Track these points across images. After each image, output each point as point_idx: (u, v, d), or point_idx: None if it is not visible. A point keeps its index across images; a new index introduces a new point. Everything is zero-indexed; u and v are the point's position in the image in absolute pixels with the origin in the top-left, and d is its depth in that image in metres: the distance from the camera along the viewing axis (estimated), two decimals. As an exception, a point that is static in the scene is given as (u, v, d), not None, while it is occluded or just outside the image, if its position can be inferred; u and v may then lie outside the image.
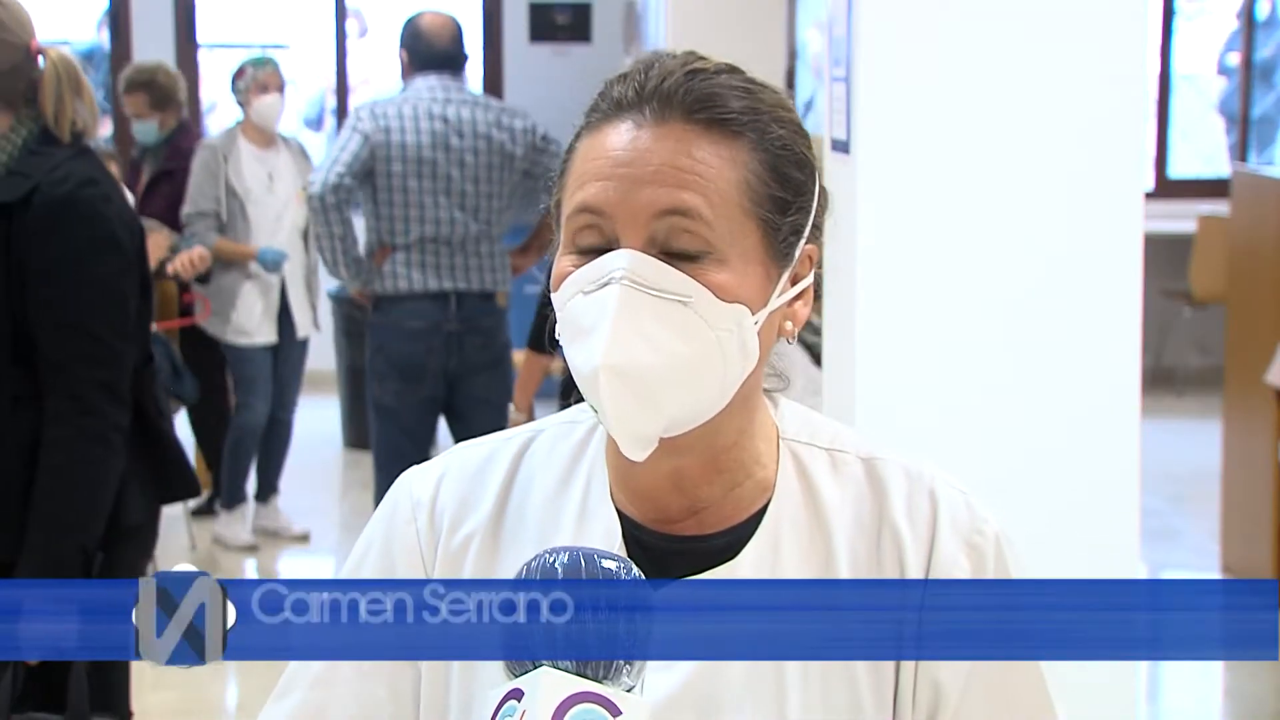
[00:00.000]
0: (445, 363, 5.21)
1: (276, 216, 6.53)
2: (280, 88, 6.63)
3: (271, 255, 6.45)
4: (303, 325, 6.64)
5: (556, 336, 1.46)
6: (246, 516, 6.67)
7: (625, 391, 1.39)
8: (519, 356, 5.28)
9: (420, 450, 5.19)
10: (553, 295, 1.44)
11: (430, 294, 5.19)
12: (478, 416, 5.21)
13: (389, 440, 5.27)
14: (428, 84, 5.26)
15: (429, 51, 5.30)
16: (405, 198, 5.18)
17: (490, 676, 1.40)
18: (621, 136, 1.42)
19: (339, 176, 5.09)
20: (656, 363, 1.39)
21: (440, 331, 5.20)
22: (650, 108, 1.42)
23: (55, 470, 2.97)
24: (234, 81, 6.66)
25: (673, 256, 1.40)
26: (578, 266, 1.42)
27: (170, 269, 6.24)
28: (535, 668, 1.32)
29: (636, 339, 1.38)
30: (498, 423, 5.02)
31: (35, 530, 2.97)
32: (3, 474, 3.01)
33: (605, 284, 1.39)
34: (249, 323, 6.54)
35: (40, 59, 3.07)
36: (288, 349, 6.64)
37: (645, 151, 1.41)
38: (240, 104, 6.60)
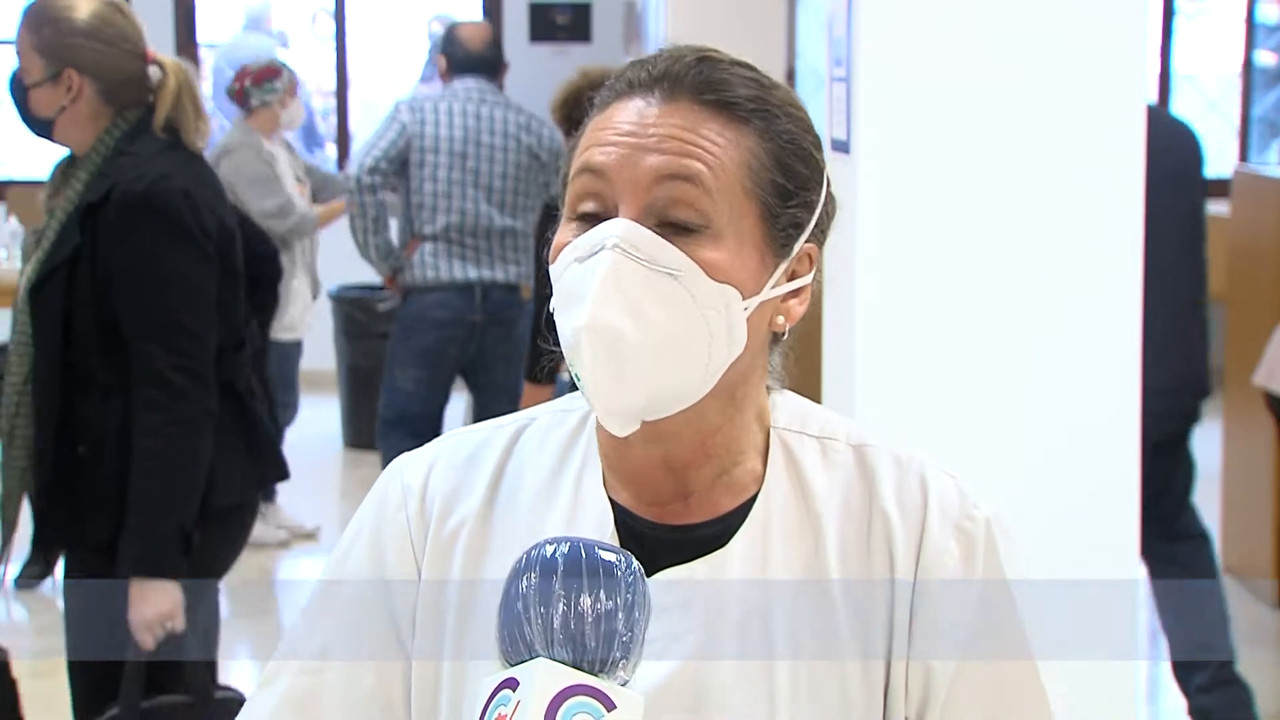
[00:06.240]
0: (465, 351, 5.67)
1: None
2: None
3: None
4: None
5: (549, 348, 1.46)
6: (268, 515, 6.66)
7: (605, 357, 1.39)
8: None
9: (431, 424, 5.70)
10: (550, 268, 1.44)
11: (457, 285, 5.62)
12: (498, 404, 5.59)
13: (399, 414, 5.71)
14: (464, 85, 5.77)
15: (465, 56, 5.80)
16: (435, 186, 5.62)
17: (482, 669, 1.40)
18: (629, 112, 1.44)
19: (375, 160, 5.58)
20: (638, 332, 1.39)
21: (464, 323, 5.64)
22: (660, 88, 1.44)
23: (150, 454, 3.13)
24: (258, 82, 6.61)
25: (669, 229, 1.41)
26: (576, 235, 1.43)
27: None
28: (531, 658, 1.32)
29: (622, 307, 1.39)
30: (512, 407, 5.20)
31: (134, 513, 3.14)
32: (96, 460, 3.17)
33: (598, 250, 1.40)
34: (294, 316, 6.56)
35: (154, 68, 3.27)
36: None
37: (651, 124, 1.42)
38: (265, 104, 6.58)
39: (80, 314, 3.15)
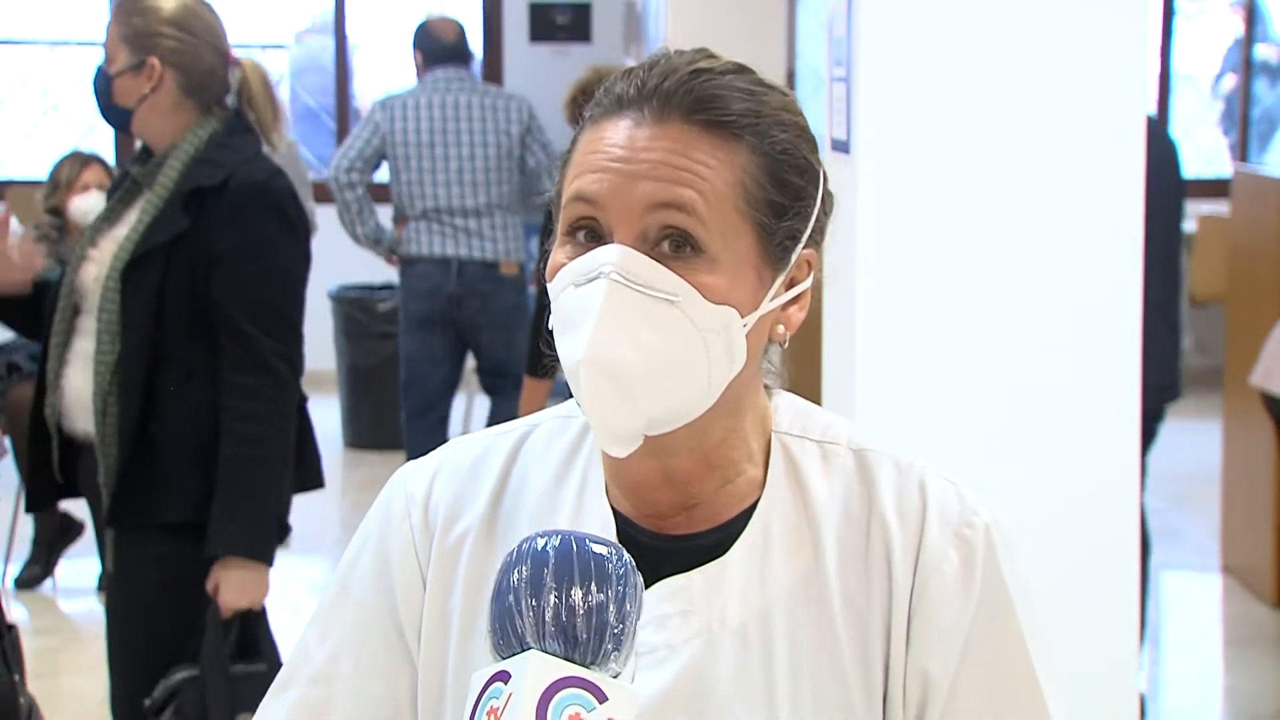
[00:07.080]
0: (450, 316, 6.16)
1: None
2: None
3: None
4: None
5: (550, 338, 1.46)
6: None
7: (605, 387, 1.39)
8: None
9: (439, 381, 6.23)
10: (547, 285, 1.44)
11: (435, 259, 6.17)
12: (492, 352, 6.20)
13: (410, 374, 6.21)
14: (434, 78, 6.25)
15: (438, 48, 6.29)
16: (410, 175, 6.19)
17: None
18: (620, 132, 1.42)
19: (350, 161, 6.17)
20: (639, 360, 1.38)
21: (441, 293, 6.16)
22: (650, 106, 1.42)
23: (252, 440, 3.18)
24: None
25: (664, 255, 1.40)
26: (571, 258, 1.42)
27: None
28: (523, 650, 1.32)
29: (621, 335, 1.38)
30: (505, 368, 6.14)
31: (234, 496, 3.17)
32: (169, 441, 3.22)
33: (594, 278, 1.39)
34: None
35: (234, 67, 3.37)
36: None
37: (642, 149, 1.41)
38: None
39: (174, 296, 3.20)
